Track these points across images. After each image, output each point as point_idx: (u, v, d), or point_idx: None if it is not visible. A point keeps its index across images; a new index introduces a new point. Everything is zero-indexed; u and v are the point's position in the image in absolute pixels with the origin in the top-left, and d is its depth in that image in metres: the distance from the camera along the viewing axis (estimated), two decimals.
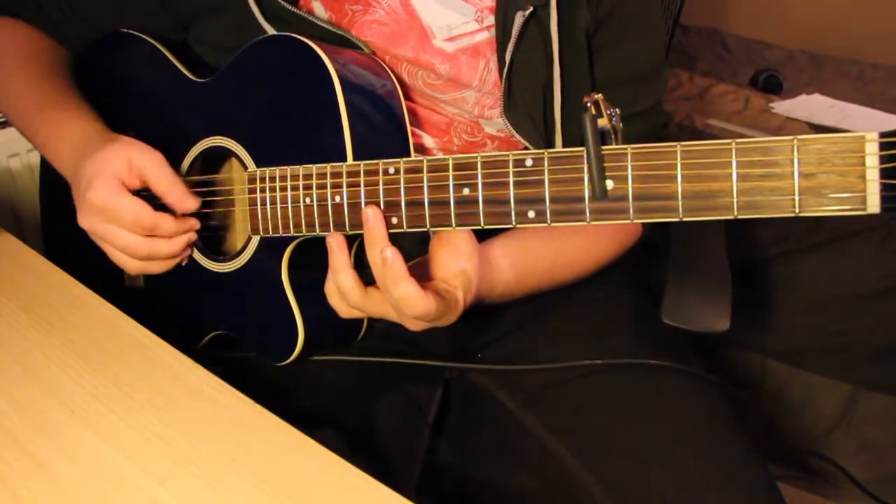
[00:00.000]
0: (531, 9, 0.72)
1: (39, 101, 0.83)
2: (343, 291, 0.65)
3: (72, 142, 0.77)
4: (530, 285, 0.79)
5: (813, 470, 1.55)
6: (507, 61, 0.73)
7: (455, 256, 0.66)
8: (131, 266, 0.75)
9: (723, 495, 0.67)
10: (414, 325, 0.66)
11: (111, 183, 0.69)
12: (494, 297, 0.75)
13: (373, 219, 0.62)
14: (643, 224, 0.88)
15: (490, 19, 0.76)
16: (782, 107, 1.86)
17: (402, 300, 0.61)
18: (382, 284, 0.63)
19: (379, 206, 0.62)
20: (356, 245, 0.78)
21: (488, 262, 0.73)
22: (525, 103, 0.76)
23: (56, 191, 0.98)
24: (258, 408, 0.58)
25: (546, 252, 0.79)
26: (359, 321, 0.79)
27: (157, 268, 0.76)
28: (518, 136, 0.76)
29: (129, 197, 0.70)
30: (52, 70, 0.88)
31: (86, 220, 0.72)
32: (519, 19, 0.72)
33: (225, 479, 0.52)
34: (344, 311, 0.68)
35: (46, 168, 1.00)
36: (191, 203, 0.73)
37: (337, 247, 0.65)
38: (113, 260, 0.75)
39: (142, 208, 0.70)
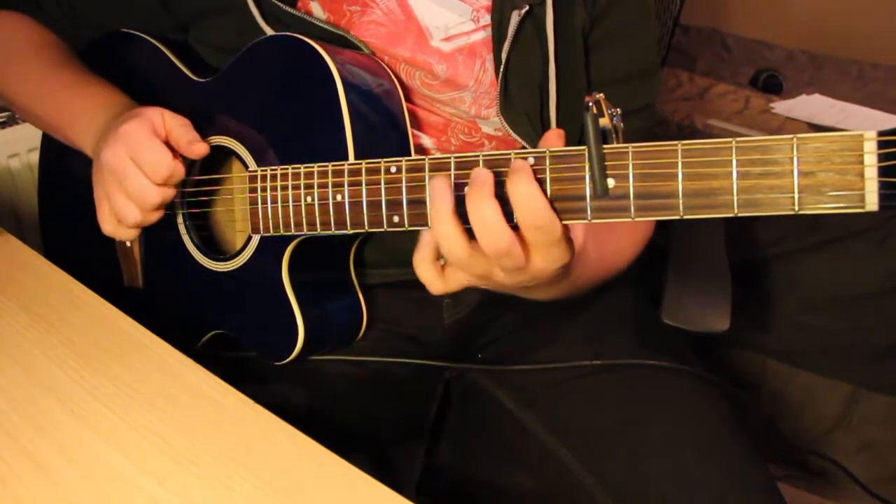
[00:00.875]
0: (527, 7, 0.72)
1: (68, 80, 0.83)
2: (448, 241, 0.56)
3: (111, 108, 0.77)
4: (585, 282, 0.74)
5: (813, 470, 1.55)
6: (503, 60, 0.73)
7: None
8: (130, 216, 0.72)
9: (723, 495, 0.67)
10: (513, 276, 0.57)
11: (146, 124, 0.71)
12: (546, 293, 0.67)
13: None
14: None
15: (486, 19, 0.76)
16: (782, 107, 1.86)
17: (524, 202, 0.53)
18: (489, 212, 0.54)
19: (381, 205, 0.62)
20: (357, 243, 0.78)
21: None
22: (521, 102, 0.76)
23: (55, 191, 0.98)
24: (258, 408, 0.58)
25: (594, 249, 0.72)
26: (358, 321, 0.79)
27: (153, 217, 0.73)
28: (514, 135, 0.76)
29: (157, 141, 0.70)
30: (70, 56, 0.88)
31: (110, 151, 0.71)
32: (515, 18, 0.72)
33: (225, 479, 0.52)
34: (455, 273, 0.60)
35: (46, 168, 1.00)
36: (200, 147, 0.72)
37: (446, 189, 0.55)
38: (109, 214, 0.73)
39: (165, 154, 0.70)
